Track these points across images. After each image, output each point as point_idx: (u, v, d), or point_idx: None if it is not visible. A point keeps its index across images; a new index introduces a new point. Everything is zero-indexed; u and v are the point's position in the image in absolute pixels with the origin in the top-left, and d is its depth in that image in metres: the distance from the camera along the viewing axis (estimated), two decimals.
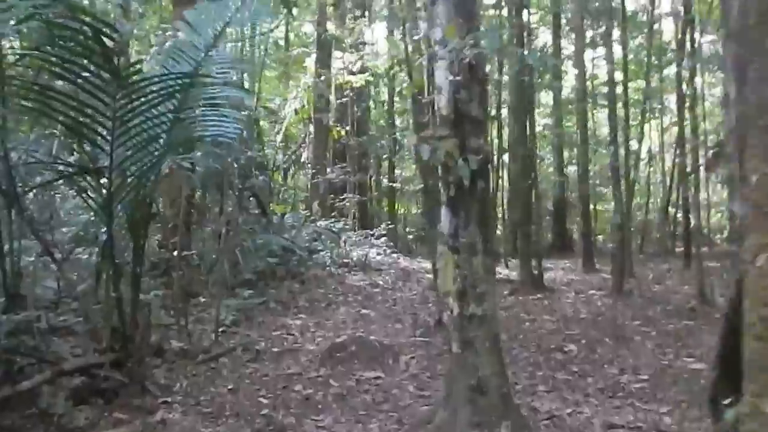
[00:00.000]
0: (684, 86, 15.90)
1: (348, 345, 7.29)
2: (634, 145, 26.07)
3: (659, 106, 25.09)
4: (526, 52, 11.72)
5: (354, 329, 8.48)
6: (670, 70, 25.18)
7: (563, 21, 20.53)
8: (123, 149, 4.82)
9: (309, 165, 17.67)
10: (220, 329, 7.59)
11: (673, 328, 8.35)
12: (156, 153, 4.93)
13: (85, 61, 4.50)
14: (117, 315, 5.30)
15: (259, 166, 11.98)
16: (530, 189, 13.21)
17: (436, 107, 4.53)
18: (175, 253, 7.90)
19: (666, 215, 24.84)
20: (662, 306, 9.72)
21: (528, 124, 13.80)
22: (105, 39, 4.31)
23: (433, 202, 13.21)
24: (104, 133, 4.69)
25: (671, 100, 24.80)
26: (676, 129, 26.68)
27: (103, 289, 5.45)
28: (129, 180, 4.99)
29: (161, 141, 4.97)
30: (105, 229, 5.05)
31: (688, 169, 13.54)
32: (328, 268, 12.31)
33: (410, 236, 20.59)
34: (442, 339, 7.94)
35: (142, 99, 4.67)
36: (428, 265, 15.05)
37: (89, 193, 5.19)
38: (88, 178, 5.01)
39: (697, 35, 16.58)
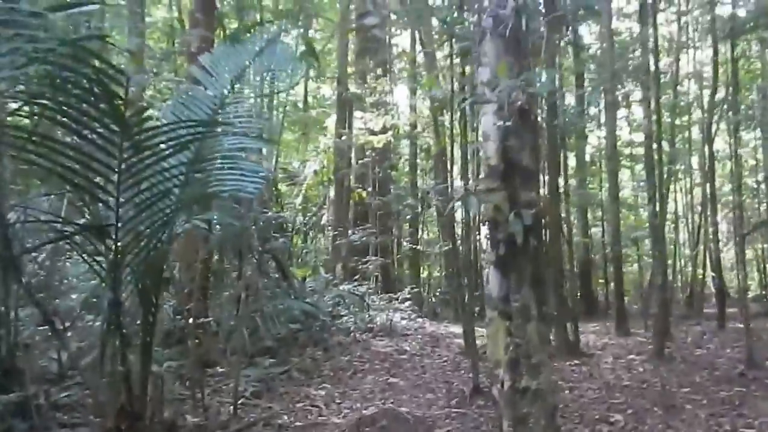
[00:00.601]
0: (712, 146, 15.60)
1: (378, 419, 6.69)
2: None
3: (682, 167, 24.54)
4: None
5: (382, 400, 7.87)
6: (693, 132, 24.91)
7: (585, 82, 20.21)
8: (131, 206, 4.34)
9: (330, 227, 17.21)
10: (239, 401, 7.00)
11: (726, 395, 7.65)
12: (168, 210, 4.44)
13: (89, 108, 4.05)
14: (124, 390, 4.76)
15: (278, 227, 11.54)
16: (560, 251, 12.64)
17: (483, 157, 4.03)
18: (191, 320, 7.38)
19: (695, 276, 24.16)
20: (708, 371, 9.02)
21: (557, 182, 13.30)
22: (112, 84, 3.89)
23: (456, 264, 12.83)
24: (109, 188, 4.22)
25: (694, 161, 24.42)
26: (699, 189, 26.38)
27: (110, 362, 4.91)
28: (138, 240, 4.49)
29: (173, 197, 4.49)
30: (111, 295, 4.53)
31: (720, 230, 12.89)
32: (352, 333, 11.73)
33: (434, 300, 19.92)
34: (479, 410, 7.33)
35: (152, 150, 4.21)
36: (456, 329, 14.45)
37: (94, 256, 4.70)
38: (93, 238, 4.51)
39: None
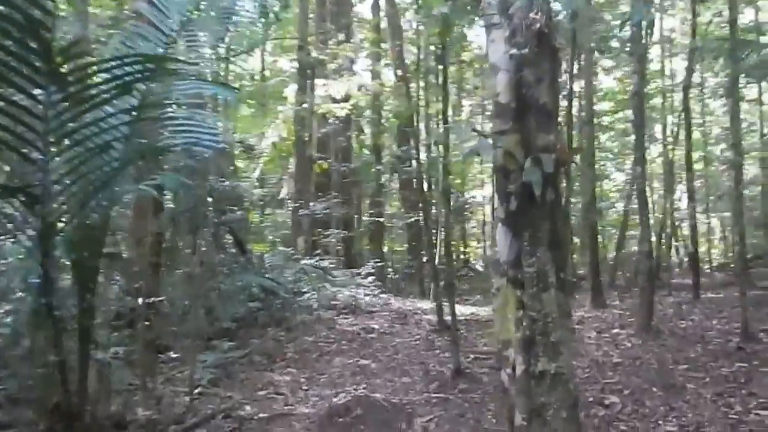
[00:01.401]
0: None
1: (351, 407, 6.04)
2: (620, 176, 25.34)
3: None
4: None
5: (354, 385, 7.20)
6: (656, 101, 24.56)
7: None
8: (61, 163, 3.55)
9: (290, 200, 16.42)
10: (196, 391, 6.29)
11: (728, 372, 7.11)
12: (107, 168, 3.66)
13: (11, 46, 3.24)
14: (60, 384, 4.00)
15: (235, 199, 10.73)
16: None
17: (491, 93, 3.32)
18: (141, 300, 6.59)
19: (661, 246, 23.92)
20: (702, 345, 8.50)
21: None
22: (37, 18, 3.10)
23: (429, 234, 12.21)
24: (36, 142, 3.43)
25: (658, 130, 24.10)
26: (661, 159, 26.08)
27: (43, 351, 4.13)
28: (72, 205, 3.71)
29: (114, 152, 3.71)
30: (41, 271, 3.74)
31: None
32: (315, 311, 11.03)
33: (398, 275, 19.32)
34: (462, 394, 6.71)
35: (88, 94, 3.42)
36: (425, 305, 13.86)
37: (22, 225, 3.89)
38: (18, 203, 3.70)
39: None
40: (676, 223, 22.48)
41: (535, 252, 3.28)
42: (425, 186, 13.46)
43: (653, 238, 24.17)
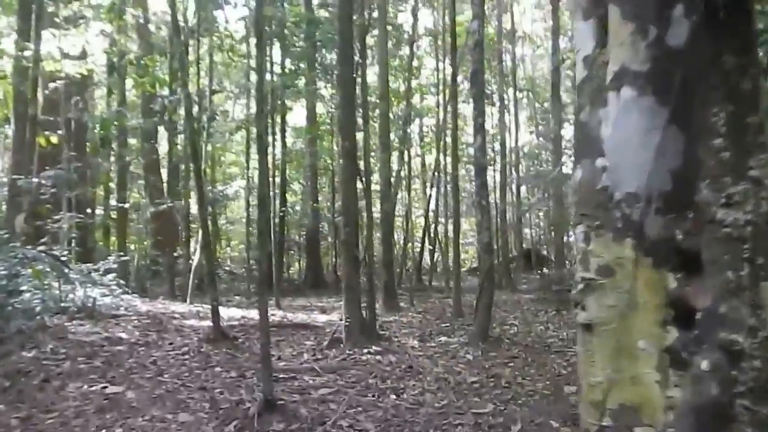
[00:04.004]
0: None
1: None
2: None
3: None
4: None
5: (103, 430, 4.63)
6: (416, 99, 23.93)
7: None
8: None
9: (2, 173, 12.90)
10: None
11: None
12: None
13: None
14: None
15: None
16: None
17: None
18: None
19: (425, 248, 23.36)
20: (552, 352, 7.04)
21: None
22: None
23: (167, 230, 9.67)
24: None
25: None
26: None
27: None
28: None
29: None
30: None
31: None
32: (39, 317, 8.07)
33: (144, 272, 16.33)
34: None
35: None
36: (181, 308, 11.30)
37: None
38: None
39: None
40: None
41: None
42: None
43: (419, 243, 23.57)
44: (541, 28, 22.97)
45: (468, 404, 5.31)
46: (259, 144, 6.42)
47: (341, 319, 7.92)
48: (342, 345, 7.67)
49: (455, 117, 13.12)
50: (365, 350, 7.38)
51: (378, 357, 7.13)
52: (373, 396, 5.58)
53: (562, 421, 4.80)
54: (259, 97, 6.78)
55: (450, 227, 25.91)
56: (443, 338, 8.29)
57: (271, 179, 17.79)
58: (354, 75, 8.72)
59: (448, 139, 19.70)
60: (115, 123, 14.09)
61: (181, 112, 13.18)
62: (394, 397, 5.54)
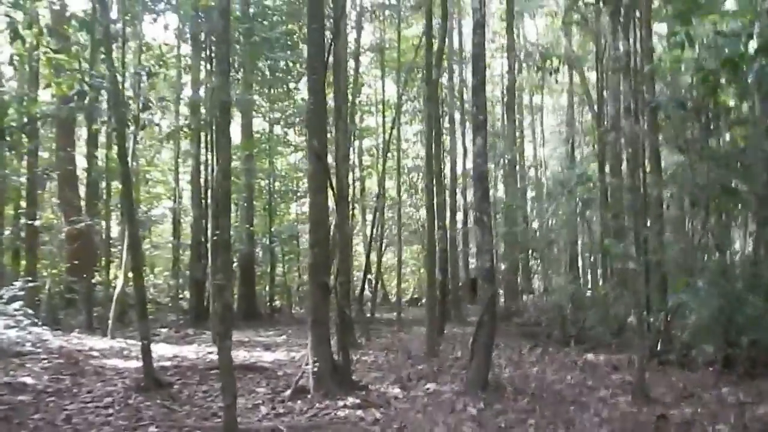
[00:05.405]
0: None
1: None
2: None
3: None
4: None
5: None
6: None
7: None
8: None
9: None
10: None
11: None
12: None
13: None
14: None
15: None
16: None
17: None
18: None
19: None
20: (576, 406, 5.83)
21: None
22: None
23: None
24: None
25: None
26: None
27: None
28: None
29: None
30: None
31: None
32: None
33: (56, 300, 14.46)
34: None
35: None
36: (102, 344, 9.70)
37: None
38: None
39: None
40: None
41: None
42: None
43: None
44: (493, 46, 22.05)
45: None
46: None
47: (308, 363, 6.51)
48: (310, 395, 6.27)
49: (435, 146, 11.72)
50: (340, 403, 6.00)
51: (358, 412, 5.76)
52: None
53: None
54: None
55: (390, 255, 24.95)
56: (430, 385, 7.02)
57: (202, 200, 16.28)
58: (324, 58, 7.35)
59: (390, 162, 18.76)
60: (21, 109, 10.94)
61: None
62: None
